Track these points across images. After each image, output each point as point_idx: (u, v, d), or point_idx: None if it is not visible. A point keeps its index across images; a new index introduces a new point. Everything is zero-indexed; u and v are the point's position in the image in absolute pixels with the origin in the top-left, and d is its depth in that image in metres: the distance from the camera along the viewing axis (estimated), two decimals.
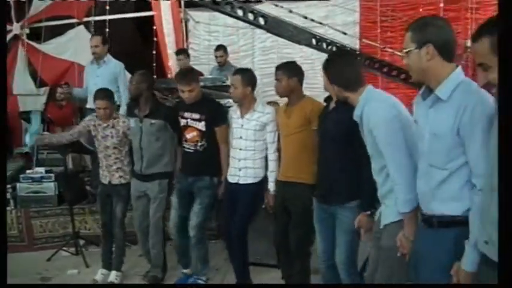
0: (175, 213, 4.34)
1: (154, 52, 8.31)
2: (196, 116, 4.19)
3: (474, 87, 2.20)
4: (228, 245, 4.23)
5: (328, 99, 3.50)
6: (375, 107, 2.73)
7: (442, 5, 8.52)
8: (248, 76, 4.04)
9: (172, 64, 8.67)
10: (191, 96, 4.16)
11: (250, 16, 6.03)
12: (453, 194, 2.21)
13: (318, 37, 6.38)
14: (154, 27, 8.36)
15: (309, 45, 6.45)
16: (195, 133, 4.20)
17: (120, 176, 4.45)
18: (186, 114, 4.24)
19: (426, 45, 2.22)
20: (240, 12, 5.98)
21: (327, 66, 3.12)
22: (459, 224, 2.16)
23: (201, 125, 4.19)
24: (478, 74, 1.86)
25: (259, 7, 6.51)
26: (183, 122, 4.27)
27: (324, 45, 6.39)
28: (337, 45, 6.47)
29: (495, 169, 1.83)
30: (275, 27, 6.24)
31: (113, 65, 5.75)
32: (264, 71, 7.98)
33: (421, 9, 8.57)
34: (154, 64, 8.26)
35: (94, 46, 5.65)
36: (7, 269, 2.47)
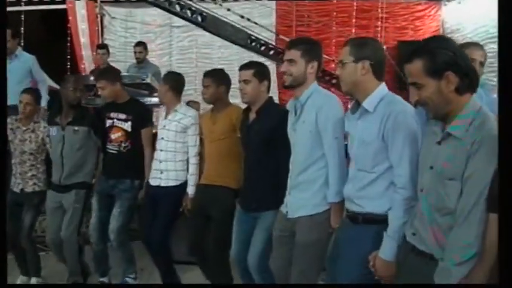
0: (95, 216, 4.19)
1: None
2: (123, 116, 4.12)
3: (396, 99, 2.47)
4: (149, 249, 4.13)
5: (246, 110, 3.57)
6: (330, 102, 2.89)
7: (354, 13, 8.91)
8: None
9: (86, 59, 8.57)
10: (106, 93, 4.11)
11: (188, 13, 6.04)
12: (379, 193, 2.43)
13: (253, 37, 6.50)
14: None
15: (245, 45, 6.52)
16: (119, 133, 4.13)
17: (34, 184, 4.23)
18: (112, 114, 4.15)
19: (363, 61, 2.45)
20: (177, 8, 5.99)
21: None
22: (381, 221, 2.37)
23: (127, 126, 4.12)
24: (410, 92, 2.01)
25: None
26: (108, 122, 4.16)
27: (258, 46, 6.52)
28: (270, 46, 6.60)
29: (421, 172, 2.12)
30: (213, 25, 6.29)
31: (25, 59, 5.56)
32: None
33: (334, 16, 8.99)
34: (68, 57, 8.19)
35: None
36: None
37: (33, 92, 4.26)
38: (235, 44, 6.69)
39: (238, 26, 6.49)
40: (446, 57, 1.92)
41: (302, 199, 2.93)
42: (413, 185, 2.25)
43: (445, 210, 1.96)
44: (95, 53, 7.96)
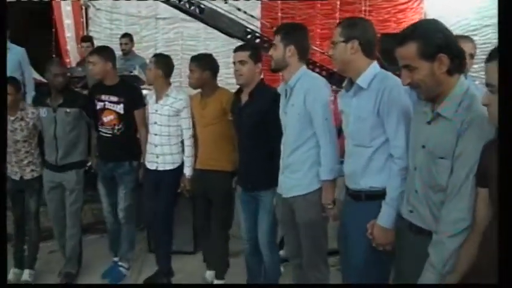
0: (104, 200, 4.33)
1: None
2: (115, 98, 4.14)
3: (389, 75, 2.57)
4: (151, 232, 4.29)
5: (238, 93, 3.65)
6: (317, 85, 3.01)
7: (338, 6, 9.10)
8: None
9: (71, 52, 8.57)
10: (96, 69, 4.12)
11: (187, 5, 6.14)
12: (379, 167, 2.54)
13: (249, 30, 6.62)
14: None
15: (242, 38, 6.56)
16: (112, 116, 4.15)
17: (32, 170, 4.25)
18: (103, 97, 4.16)
19: (352, 40, 2.55)
20: (176, 1, 6.08)
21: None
22: (383, 196, 2.47)
23: (119, 108, 4.13)
24: (402, 74, 2.09)
25: None
26: (99, 105, 4.17)
27: (253, 39, 6.62)
28: (265, 39, 6.69)
29: (414, 151, 2.21)
30: (211, 18, 6.42)
31: (15, 52, 5.58)
32: None
33: (318, 9, 9.16)
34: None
35: None
36: None
37: (12, 80, 4.20)
38: (232, 36, 6.75)
39: (235, 18, 6.60)
40: (439, 40, 1.99)
41: (294, 179, 3.05)
42: (407, 155, 2.37)
43: (437, 188, 2.05)
44: (79, 46, 7.90)
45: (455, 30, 7.98)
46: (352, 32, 2.57)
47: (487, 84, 1.76)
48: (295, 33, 3.10)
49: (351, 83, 2.63)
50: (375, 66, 2.60)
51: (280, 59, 3.04)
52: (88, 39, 7.37)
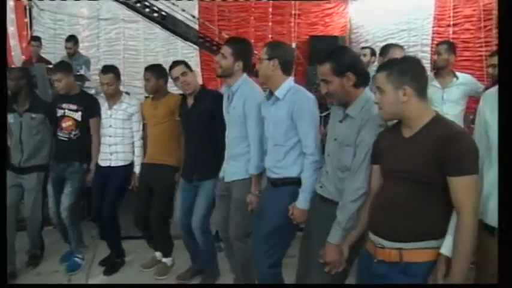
0: (52, 201, 4.64)
1: None
2: (74, 107, 4.58)
3: (301, 89, 3.22)
4: (99, 224, 4.70)
5: (184, 97, 4.23)
6: (254, 93, 3.56)
7: (270, 9, 9.57)
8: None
9: (13, 49, 8.58)
10: (62, 85, 4.53)
11: (150, 12, 6.77)
12: (292, 161, 3.17)
13: (200, 35, 7.50)
14: None
15: (195, 42, 7.39)
16: (70, 122, 4.58)
17: None
18: (64, 105, 4.59)
19: (273, 59, 3.17)
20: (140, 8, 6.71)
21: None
22: (295, 182, 3.15)
23: (78, 115, 4.58)
24: (321, 86, 2.75)
25: None
26: (60, 112, 4.59)
27: (204, 42, 7.43)
28: (214, 42, 7.46)
29: (328, 142, 2.88)
30: (171, 24, 7.07)
31: None
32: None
33: (252, 13, 9.56)
34: None
35: None
36: None
37: None
38: (187, 40, 7.53)
39: (189, 24, 7.31)
40: (347, 62, 2.67)
41: (236, 167, 3.63)
42: (318, 151, 3.05)
43: (343, 168, 2.72)
44: (26, 45, 8.14)
45: (376, 33, 8.80)
46: (275, 52, 3.19)
47: (377, 87, 2.31)
48: (245, 50, 3.58)
49: (271, 94, 3.25)
50: (290, 82, 3.20)
51: (229, 69, 3.51)
52: (37, 38, 7.72)
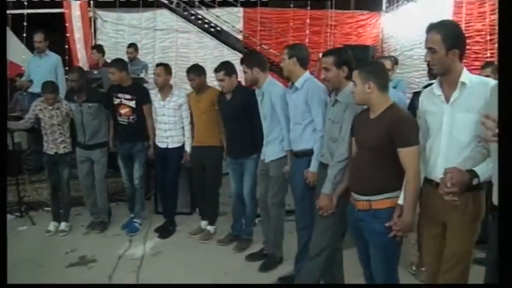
0: (124, 172, 5.70)
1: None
2: (128, 96, 5.50)
3: (314, 80, 3.95)
4: (161, 196, 5.76)
5: (222, 93, 5.08)
6: (277, 90, 4.41)
7: (308, 21, 10.29)
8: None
9: (81, 57, 9.76)
10: (115, 78, 5.44)
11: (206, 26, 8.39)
12: (307, 137, 3.94)
13: (246, 46, 9.01)
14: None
15: (241, 51, 8.79)
16: (127, 109, 5.51)
17: (65, 147, 5.55)
18: (120, 95, 5.51)
19: (292, 57, 3.98)
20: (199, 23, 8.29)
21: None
22: (310, 154, 3.93)
23: (132, 103, 5.48)
24: (322, 72, 3.42)
25: None
26: (117, 100, 5.50)
27: (249, 51, 8.46)
28: (250, 50, 8.69)
29: (326, 122, 3.65)
30: (225, 37, 8.97)
31: (52, 57, 6.84)
32: None
33: (291, 23, 10.34)
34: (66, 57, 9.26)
35: (38, 41, 6.68)
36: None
37: (52, 88, 5.41)
38: (235, 50, 8.93)
39: (236, 37, 8.86)
40: (345, 58, 3.47)
41: (272, 150, 4.48)
42: (324, 127, 3.81)
43: (333, 139, 3.49)
44: (90, 52, 9.00)
45: (404, 43, 9.42)
46: (293, 52, 3.98)
47: (353, 82, 2.98)
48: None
49: (292, 84, 4.03)
50: (307, 74, 3.96)
51: (254, 80, 4.46)
52: (97, 47, 8.63)
